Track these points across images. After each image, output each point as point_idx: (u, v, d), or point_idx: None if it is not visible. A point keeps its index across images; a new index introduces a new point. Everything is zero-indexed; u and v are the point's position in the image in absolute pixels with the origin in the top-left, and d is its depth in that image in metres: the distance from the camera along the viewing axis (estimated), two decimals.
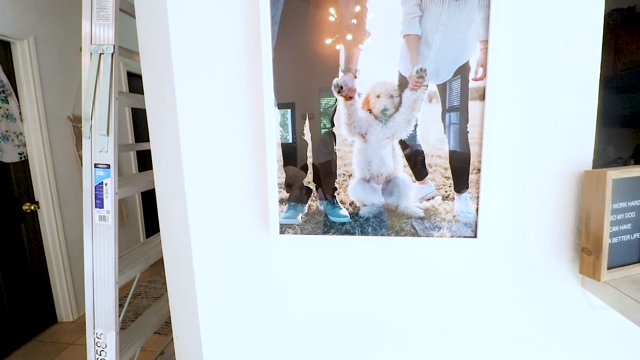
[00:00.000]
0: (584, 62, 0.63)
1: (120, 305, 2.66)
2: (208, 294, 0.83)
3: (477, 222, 0.66)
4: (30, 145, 2.32)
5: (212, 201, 0.78)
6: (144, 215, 3.40)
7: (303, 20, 0.64)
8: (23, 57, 2.20)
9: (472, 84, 0.62)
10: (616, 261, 0.67)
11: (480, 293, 0.74)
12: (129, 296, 1.41)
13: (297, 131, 0.68)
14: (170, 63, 0.77)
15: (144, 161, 3.34)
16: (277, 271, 0.78)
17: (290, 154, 0.69)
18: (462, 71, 0.62)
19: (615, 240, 0.66)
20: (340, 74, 0.64)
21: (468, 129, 0.64)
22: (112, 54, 1.05)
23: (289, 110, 0.67)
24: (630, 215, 0.67)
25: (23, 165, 2.30)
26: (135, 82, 3.16)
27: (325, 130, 0.67)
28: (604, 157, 2.77)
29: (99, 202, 1.10)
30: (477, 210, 0.66)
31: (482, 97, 0.62)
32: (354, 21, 0.63)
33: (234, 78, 0.72)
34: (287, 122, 0.68)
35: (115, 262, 1.11)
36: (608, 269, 0.66)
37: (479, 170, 0.65)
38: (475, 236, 0.67)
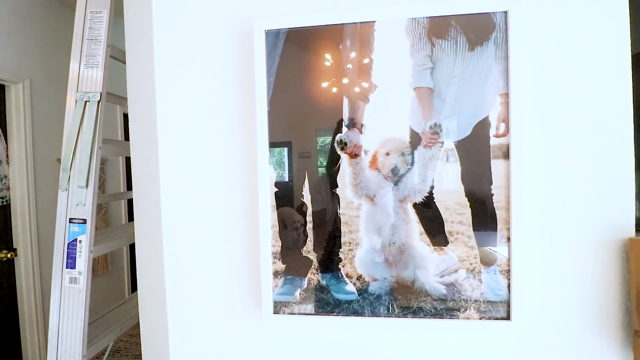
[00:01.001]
0: (618, 116, 0.57)
1: None
2: None
3: (510, 300, 0.55)
4: (14, 189, 2.21)
5: (193, 269, 0.67)
6: (131, 264, 3.17)
7: (300, 70, 0.58)
8: (17, 100, 2.17)
9: (493, 141, 0.55)
10: None
11: None
12: None
13: (295, 188, 0.59)
14: (154, 110, 0.70)
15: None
16: (270, 356, 0.64)
17: (286, 197, 0.59)
18: (482, 127, 0.55)
19: None
20: (344, 129, 0.57)
21: (492, 192, 0.55)
22: (99, 102, 0.99)
23: (285, 149, 0.59)
24: None
25: (4, 210, 2.17)
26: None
27: (322, 168, 0.58)
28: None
29: (71, 262, 0.98)
30: (509, 286, 0.55)
31: (507, 156, 0.54)
32: (358, 73, 0.56)
33: (224, 131, 0.65)
34: (284, 160, 0.59)
35: (83, 333, 0.97)
36: None
37: (508, 239, 0.55)
38: (508, 318, 0.56)
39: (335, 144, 0.57)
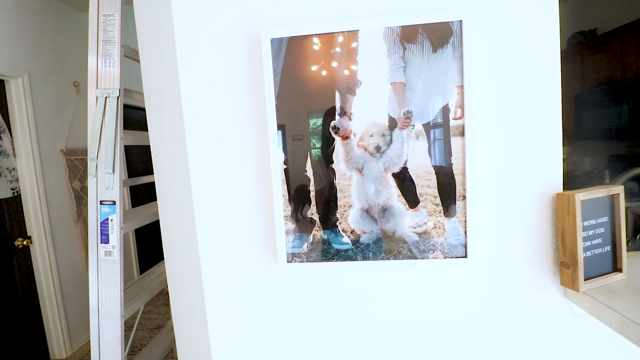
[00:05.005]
0: (545, 99, 0.73)
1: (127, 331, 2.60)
2: (220, 324, 0.86)
3: (466, 243, 0.74)
4: (23, 180, 2.31)
5: (221, 235, 0.83)
6: (138, 250, 3.37)
7: (300, 69, 0.72)
8: (17, 94, 2.24)
9: (452, 123, 0.71)
10: (592, 272, 0.74)
11: (473, 307, 0.80)
12: (134, 328, 1.41)
13: (292, 159, 0.75)
14: (179, 103, 0.83)
15: (137, 196, 3.33)
16: (286, 298, 0.83)
17: (293, 172, 0.75)
18: (444, 112, 0.71)
19: (589, 253, 0.74)
20: (337, 117, 0.73)
21: (452, 162, 0.72)
22: (118, 97, 1.12)
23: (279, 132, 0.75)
24: (600, 230, 0.75)
25: (15, 201, 2.29)
26: (127, 112, 3.20)
27: (316, 150, 0.74)
28: (582, 168, 2.94)
29: (105, 238, 1.13)
30: (465, 232, 0.73)
31: (462, 134, 0.71)
32: (346, 72, 0.71)
33: (241, 122, 0.79)
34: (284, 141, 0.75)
35: (121, 295, 1.14)
36: (585, 280, 0.73)
37: (464, 197, 0.72)
38: (465, 256, 0.74)
39: (330, 129, 0.73)
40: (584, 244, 0.73)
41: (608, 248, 0.77)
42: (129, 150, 3.20)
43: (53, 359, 2.41)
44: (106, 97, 1.12)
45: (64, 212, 2.53)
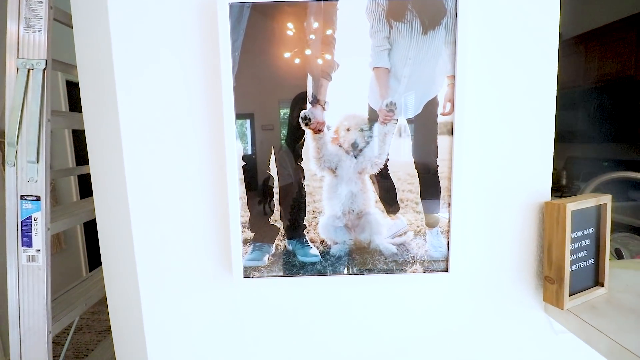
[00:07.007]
0: (541, 102, 0.66)
1: (59, 344, 2.34)
2: (161, 343, 0.72)
3: (448, 256, 0.65)
4: None
5: (164, 239, 0.69)
6: (87, 241, 3.01)
7: (265, 45, 0.59)
8: None
9: (440, 119, 0.62)
10: (575, 287, 0.69)
11: (454, 325, 0.73)
12: (68, 341, 1.23)
13: (259, 161, 0.62)
14: (112, 79, 0.68)
15: (88, 186, 2.99)
16: (242, 317, 0.70)
17: (253, 170, 0.63)
18: (431, 106, 0.61)
19: (574, 267, 0.69)
20: (308, 105, 0.61)
21: (438, 164, 0.63)
22: (44, 70, 0.92)
23: (247, 121, 0.62)
24: (585, 242, 0.70)
25: None
26: (77, 91, 2.86)
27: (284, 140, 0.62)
28: None
29: (27, 240, 0.94)
30: (448, 244, 0.65)
31: (451, 132, 0.62)
32: (321, 52, 0.59)
33: (188, 104, 0.65)
34: (247, 132, 0.62)
35: (47, 309, 0.95)
36: (569, 296, 0.68)
37: (449, 204, 0.64)
38: (447, 270, 0.66)
39: (300, 120, 0.61)
40: (570, 257, 0.68)
41: (592, 261, 0.72)
42: (78, 134, 2.86)
43: None
44: (29, 69, 0.92)
45: None
